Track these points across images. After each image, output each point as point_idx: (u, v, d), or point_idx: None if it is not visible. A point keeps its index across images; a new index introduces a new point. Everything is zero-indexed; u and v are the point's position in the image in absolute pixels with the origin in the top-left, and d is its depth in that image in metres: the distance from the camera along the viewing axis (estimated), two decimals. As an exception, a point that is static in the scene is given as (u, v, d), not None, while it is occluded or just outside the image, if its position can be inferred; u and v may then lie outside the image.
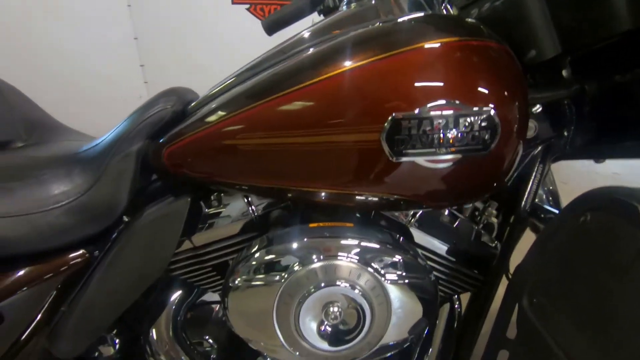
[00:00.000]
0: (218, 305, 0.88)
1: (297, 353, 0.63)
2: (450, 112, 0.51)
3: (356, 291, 0.59)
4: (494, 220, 0.73)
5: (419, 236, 0.69)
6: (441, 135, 0.52)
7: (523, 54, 0.57)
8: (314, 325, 0.61)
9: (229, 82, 0.67)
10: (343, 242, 0.61)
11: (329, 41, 0.58)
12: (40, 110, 0.95)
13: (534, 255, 0.59)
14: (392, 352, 0.67)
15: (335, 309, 0.60)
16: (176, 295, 0.77)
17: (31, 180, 0.68)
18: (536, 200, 0.69)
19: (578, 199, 0.53)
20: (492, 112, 0.52)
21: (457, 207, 0.74)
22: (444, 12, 0.71)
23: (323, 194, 0.60)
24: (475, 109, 0.51)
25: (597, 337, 0.47)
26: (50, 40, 2.72)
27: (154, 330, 0.76)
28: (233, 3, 3.05)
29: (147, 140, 0.67)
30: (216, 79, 0.72)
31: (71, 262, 0.68)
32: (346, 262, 0.59)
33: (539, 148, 0.67)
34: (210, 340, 0.84)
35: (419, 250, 0.67)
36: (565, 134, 0.65)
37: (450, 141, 0.52)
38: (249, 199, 0.70)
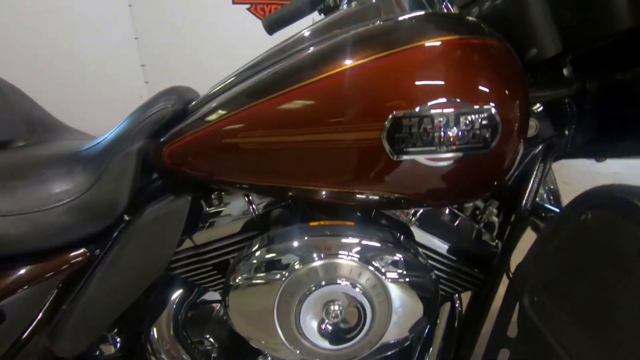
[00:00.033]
0: (219, 304, 0.88)
1: (298, 351, 0.63)
2: (451, 110, 0.51)
3: (357, 290, 0.59)
4: (495, 219, 0.73)
5: (420, 235, 0.69)
6: (442, 133, 0.52)
7: (524, 53, 0.57)
8: (314, 324, 0.61)
9: (229, 81, 0.67)
10: (344, 240, 0.61)
11: (329, 40, 0.58)
12: (41, 110, 0.95)
13: (534, 253, 0.59)
14: (393, 351, 0.68)
15: (336, 308, 0.60)
16: (177, 294, 0.77)
17: (32, 179, 0.68)
18: (537, 199, 0.69)
19: (579, 197, 0.53)
20: (493, 110, 0.52)
21: (458, 206, 0.74)
22: (445, 10, 0.71)
23: (324, 192, 0.60)
24: (476, 107, 0.51)
25: (598, 335, 0.47)
26: (50, 40, 2.72)
27: (154, 329, 0.76)
28: (233, 3, 3.05)
29: (147, 139, 0.67)
30: (217, 78, 0.72)
31: (72, 261, 0.68)
32: (347, 260, 0.59)
33: (540, 147, 0.67)
34: (211, 339, 0.84)
35: (420, 249, 0.67)
36: (566, 132, 0.65)
37: (451, 139, 0.52)
38: (250, 197, 0.70)
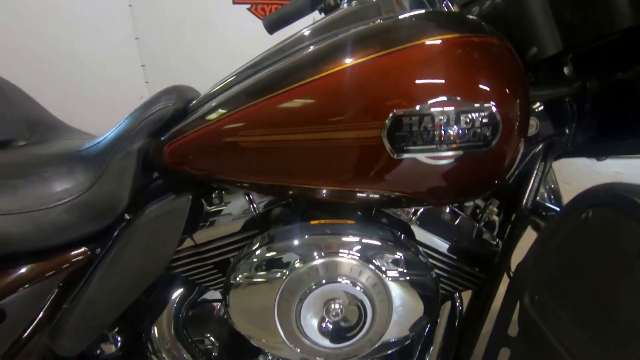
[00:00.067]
0: (219, 303, 0.88)
1: (298, 350, 0.63)
2: (452, 108, 0.51)
3: (357, 288, 0.59)
4: (495, 218, 0.73)
5: (420, 234, 0.69)
6: (442, 131, 0.52)
7: (524, 52, 0.57)
8: (315, 322, 0.61)
9: (229, 80, 0.67)
10: (344, 239, 0.61)
11: (329, 38, 0.58)
12: (42, 109, 0.95)
13: (535, 252, 0.59)
14: (393, 350, 0.68)
15: (337, 306, 0.60)
16: (177, 293, 0.77)
17: (33, 178, 0.68)
18: (537, 198, 0.69)
19: (579, 195, 0.53)
20: (494, 108, 0.52)
21: (458, 205, 0.74)
22: (445, 9, 0.71)
23: (324, 191, 0.60)
24: (477, 105, 0.51)
25: (599, 334, 0.47)
26: (50, 40, 2.72)
27: (155, 328, 0.76)
28: (234, 3, 3.05)
29: (148, 138, 0.67)
30: (217, 78, 0.72)
31: (73, 260, 0.68)
32: (347, 259, 0.60)
33: (540, 146, 0.67)
34: (212, 338, 0.84)
35: (420, 248, 0.67)
36: (567, 131, 0.65)
37: (452, 138, 0.52)
38: (250, 196, 0.70)
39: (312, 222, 0.65)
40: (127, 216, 0.69)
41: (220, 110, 0.60)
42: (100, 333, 0.76)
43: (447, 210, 0.73)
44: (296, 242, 0.62)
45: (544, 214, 0.68)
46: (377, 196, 0.59)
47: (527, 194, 0.67)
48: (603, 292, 0.48)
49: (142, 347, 0.77)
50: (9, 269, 0.66)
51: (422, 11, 0.61)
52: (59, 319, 0.70)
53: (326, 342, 0.62)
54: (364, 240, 0.61)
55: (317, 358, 0.65)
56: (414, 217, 0.69)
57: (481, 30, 0.54)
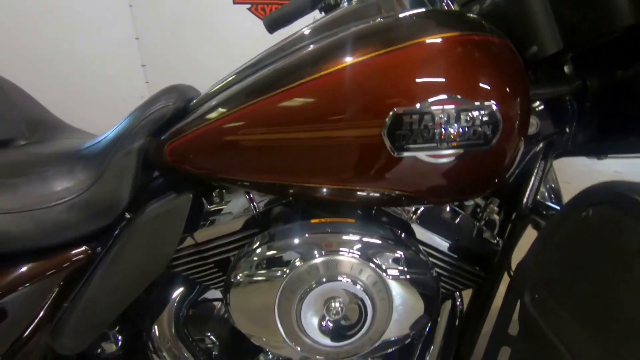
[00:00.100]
0: (220, 303, 0.88)
1: (299, 348, 0.63)
2: (452, 107, 0.51)
3: (358, 286, 0.59)
4: (496, 217, 0.73)
5: (421, 232, 0.69)
6: (442, 130, 0.52)
7: (524, 50, 0.57)
8: (315, 321, 0.61)
9: (229, 79, 0.67)
10: (345, 237, 0.61)
11: (329, 37, 0.59)
12: (43, 109, 0.95)
13: (536, 251, 0.59)
14: (394, 348, 0.68)
15: (337, 305, 0.60)
16: (178, 292, 0.77)
17: (34, 177, 0.68)
18: (538, 197, 0.69)
19: (580, 194, 0.53)
20: (494, 107, 0.52)
21: (459, 203, 0.74)
22: (445, 8, 0.71)
23: (324, 189, 0.60)
24: (477, 103, 0.51)
25: (600, 332, 0.47)
26: (50, 40, 2.72)
27: (156, 327, 0.76)
28: (234, 3, 3.05)
29: (148, 137, 0.67)
30: (217, 78, 0.72)
31: (73, 259, 0.68)
32: (348, 257, 0.60)
33: (541, 145, 0.67)
34: (212, 337, 0.84)
35: (421, 247, 0.67)
36: (567, 130, 0.65)
37: (452, 136, 0.52)
38: (251, 195, 0.70)
39: (313, 221, 0.65)
40: (127, 215, 0.69)
41: (221, 109, 0.60)
42: (101, 332, 0.76)
43: (448, 209, 0.73)
44: (297, 241, 0.62)
45: (544, 212, 0.68)
46: (377, 195, 0.59)
47: (527, 192, 0.67)
48: (603, 290, 0.48)
49: (143, 345, 0.77)
50: (10, 267, 0.66)
51: (422, 10, 0.61)
52: (60, 318, 0.70)
53: (327, 341, 0.62)
54: (365, 239, 0.61)
55: (318, 357, 0.65)
56: (414, 216, 0.69)
57: (482, 29, 0.54)
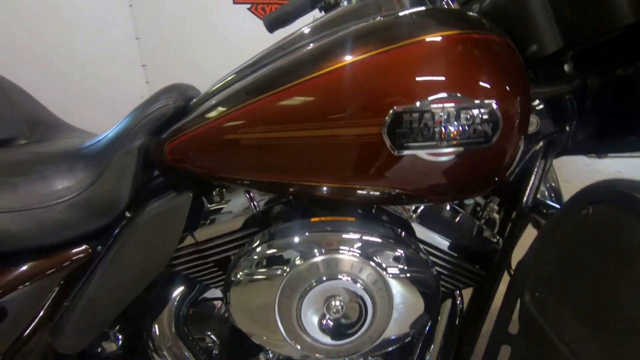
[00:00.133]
0: (220, 302, 0.88)
1: (299, 347, 0.63)
2: (452, 105, 0.51)
3: (358, 285, 0.59)
4: (496, 215, 0.73)
5: (421, 231, 0.69)
6: (442, 128, 0.52)
7: (524, 49, 0.57)
8: (315, 319, 0.61)
9: (229, 78, 0.67)
10: (345, 236, 0.61)
11: (329, 36, 0.59)
12: (43, 108, 0.95)
13: (536, 249, 0.59)
14: (394, 347, 0.68)
15: (337, 303, 0.60)
16: (178, 291, 0.77)
17: (34, 176, 0.68)
18: (538, 196, 0.69)
19: (580, 192, 0.53)
20: (494, 105, 0.52)
21: (459, 202, 0.74)
22: (445, 7, 0.71)
23: (325, 188, 0.60)
24: (477, 101, 0.51)
25: (600, 330, 0.47)
26: (50, 40, 2.72)
27: (156, 326, 0.76)
28: (234, 3, 3.05)
29: (149, 136, 0.67)
30: (218, 78, 0.72)
31: (74, 258, 0.68)
32: (348, 255, 0.60)
33: (541, 143, 0.67)
34: (213, 336, 0.84)
35: (421, 245, 0.67)
36: (567, 129, 0.65)
37: (452, 134, 0.52)
38: (251, 194, 0.70)
39: (313, 220, 0.65)
40: (127, 214, 0.69)
41: (221, 108, 0.60)
42: (101, 331, 0.76)
43: (448, 207, 0.73)
44: (297, 239, 0.62)
45: (544, 211, 0.68)
46: (377, 193, 0.59)
47: (527, 191, 0.67)
48: (604, 289, 0.48)
49: (143, 345, 0.77)
50: (10, 266, 0.66)
51: (422, 8, 0.61)
52: (60, 317, 0.70)
53: (327, 339, 0.62)
54: (365, 238, 0.61)
55: (318, 355, 0.65)
56: (414, 215, 0.69)
57: (481, 27, 0.54)
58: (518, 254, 0.65)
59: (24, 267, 0.66)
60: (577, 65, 0.61)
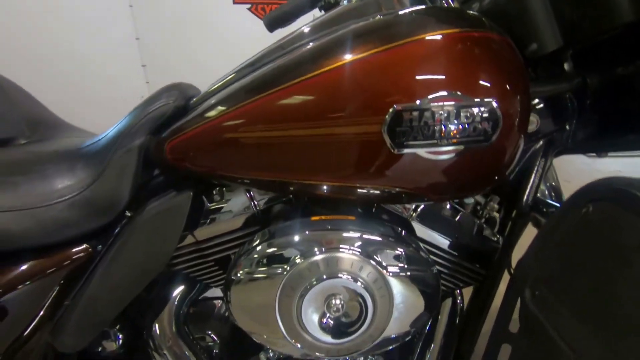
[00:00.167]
0: (220, 301, 0.88)
1: (299, 345, 0.63)
2: (452, 103, 0.51)
3: (358, 283, 0.60)
4: (496, 214, 0.73)
5: (421, 230, 0.69)
6: (442, 126, 0.52)
7: (524, 48, 0.57)
8: (316, 318, 0.62)
9: (229, 77, 0.67)
10: (345, 234, 0.61)
11: (329, 35, 0.59)
12: (43, 108, 0.96)
13: (536, 248, 0.59)
14: (394, 346, 0.68)
15: (338, 302, 0.60)
16: (179, 290, 0.77)
17: (34, 175, 0.68)
18: (538, 195, 0.69)
19: (580, 190, 0.53)
20: (494, 103, 0.52)
21: (459, 201, 0.74)
22: (445, 6, 0.71)
23: (325, 186, 0.60)
24: (477, 100, 0.51)
25: (600, 328, 0.47)
26: (50, 40, 2.72)
27: (156, 325, 0.76)
28: (234, 3, 3.05)
29: (149, 135, 0.67)
30: (218, 79, 0.72)
31: (74, 257, 0.68)
32: (348, 254, 0.60)
33: (541, 142, 0.67)
34: (213, 335, 0.84)
35: (421, 244, 0.67)
36: (567, 127, 0.65)
37: (452, 133, 0.52)
38: (251, 193, 0.70)
39: (313, 218, 0.65)
40: (128, 213, 0.69)
41: (221, 107, 0.60)
42: (102, 330, 0.76)
43: (448, 206, 0.73)
44: (297, 238, 0.62)
45: (544, 210, 0.68)
46: (377, 192, 0.59)
47: (527, 190, 0.67)
48: (604, 286, 0.48)
49: (144, 344, 0.77)
50: (10, 265, 0.66)
51: (422, 7, 0.61)
52: (61, 316, 0.70)
53: (327, 338, 0.62)
54: (365, 236, 0.61)
55: (318, 354, 0.65)
56: (414, 214, 0.69)
57: (481, 26, 0.54)
58: (518, 253, 0.65)
59: (25, 266, 0.66)
60: (577, 63, 0.61)
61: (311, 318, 0.61)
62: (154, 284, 0.74)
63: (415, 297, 0.63)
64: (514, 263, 0.64)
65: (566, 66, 0.60)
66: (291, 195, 0.71)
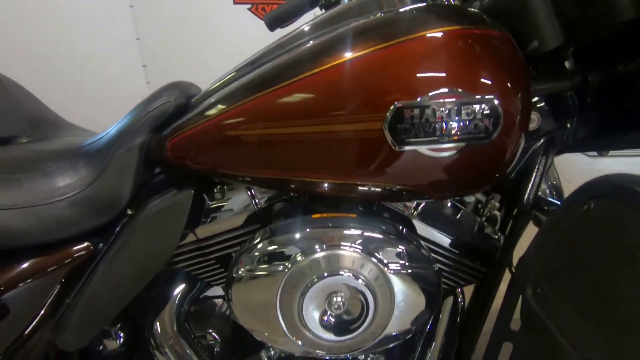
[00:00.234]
0: (221, 300, 0.88)
1: (301, 343, 0.63)
2: (453, 100, 0.51)
3: (359, 281, 0.60)
4: (497, 212, 0.73)
5: (422, 228, 0.69)
6: (444, 124, 0.52)
7: (525, 46, 0.57)
8: (317, 315, 0.61)
9: (230, 76, 0.67)
10: (346, 232, 0.61)
11: (329, 33, 0.59)
12: (44, 107, 0.96)
13: (537, 246, 0.59)
14: (395, 343, 0.68)
15: (339, 299, 0.60)
16: (180, 288, 0.77)
17: (36, 173, 0.68)
18: (539, 194, 0.69)
19: (581, 187, 0.53)
20: (495, 100, 0.52)
21: (460, 199, 0.74)
22: (446, 3, 0.71)
23: (326, 184, 0.60)
24: (478, 97, 0.51)
25: (602, 325, 0.47)
26: (51, 40, 2.72)
27: (157, 324, 0.76)
28: (234, 3, 3.05)
29: (150, 133, 0.67)
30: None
31: (75, 255, 0.68)
32: (349, 251, 0.60)
33: (542, 140, 0.67)
34: (214, 334, 0.84)
35: (422, 242, 0.67)
36: (568, 125, 0.65)
37: (453, 130, 0.52)
38: (252, 191, 0.71)
39: (314, 216, 0.65)
40: (129, 211, 0.69)
41: (221, 105, 0.60)
42: (103, 328, 0.76)
43: (449, 204, 0.73)
44: (298, 236, 0.62)
45: (545, 208, 0.68)
46: (378, 189, 0.59)
47: (528, 188, 0.67)
48: (605, 284, 0.48)
49: (145, 342, 0.77)
50: (12, 263, 0.66)
51: (423, 4, 0.61)
52: (62, 314, 0.70)
53: (328, 335, 0.62)
54: (366, 234, 0.61)
55: (319, 351, 0.65)
56: (415, 212, 0.69)
57: (482, 23, 0.54)
58: (519, 251, 0.65)
59: (26, 264, 0.66)
60: (578, 61, 0.61)
61: (312, 315, 0.61)
62: (155, 282, 0.74)
63: (416, 294, 0.63)
64: (515, 261, 0.64)
65: (567, 64, 0.60)
66: (292, 193, 0.71)
